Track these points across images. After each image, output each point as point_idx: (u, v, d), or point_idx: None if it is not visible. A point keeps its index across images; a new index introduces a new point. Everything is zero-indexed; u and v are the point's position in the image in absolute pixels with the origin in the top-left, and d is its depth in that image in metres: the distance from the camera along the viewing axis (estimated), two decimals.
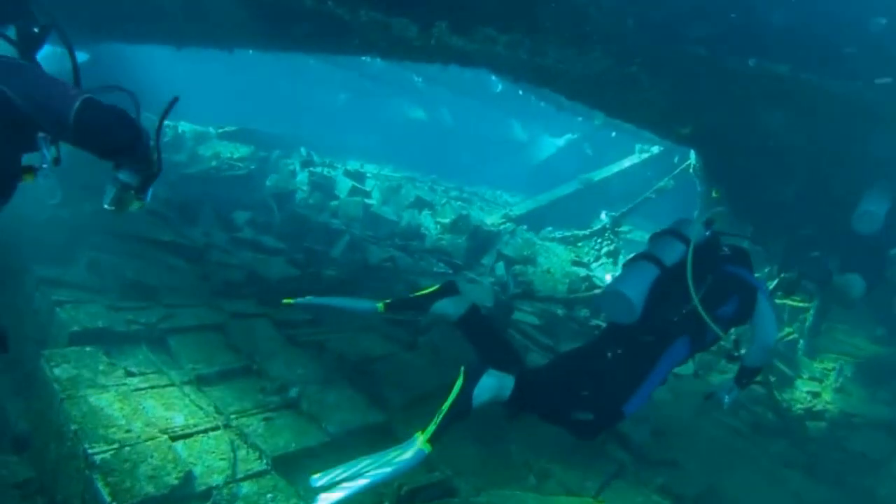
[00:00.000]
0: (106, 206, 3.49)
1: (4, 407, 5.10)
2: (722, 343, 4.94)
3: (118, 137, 3.21)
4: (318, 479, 3.90)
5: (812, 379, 8.88)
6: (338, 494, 3.75)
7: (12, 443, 5.08)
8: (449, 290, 4.70)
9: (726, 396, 5.03)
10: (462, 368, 4.13)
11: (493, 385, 4.14)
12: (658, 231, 4.91)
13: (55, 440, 4.64)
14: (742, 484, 5.51)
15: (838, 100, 6.18)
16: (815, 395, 8.50)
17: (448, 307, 4.67)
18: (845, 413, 8.03)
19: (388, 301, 4.69)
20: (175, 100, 3.55)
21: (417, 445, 3.88)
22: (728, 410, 6.02)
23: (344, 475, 3.89)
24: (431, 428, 3.93)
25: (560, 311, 9.17)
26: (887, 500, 6.07)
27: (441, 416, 3.97)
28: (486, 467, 4.41)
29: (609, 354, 4.57)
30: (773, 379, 8.12)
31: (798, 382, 8.78)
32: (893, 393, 8.23)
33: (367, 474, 3.83)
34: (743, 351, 4.93)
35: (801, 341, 9.43)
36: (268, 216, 10.86)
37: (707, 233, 4.74)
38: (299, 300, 4.74)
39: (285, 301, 4.74)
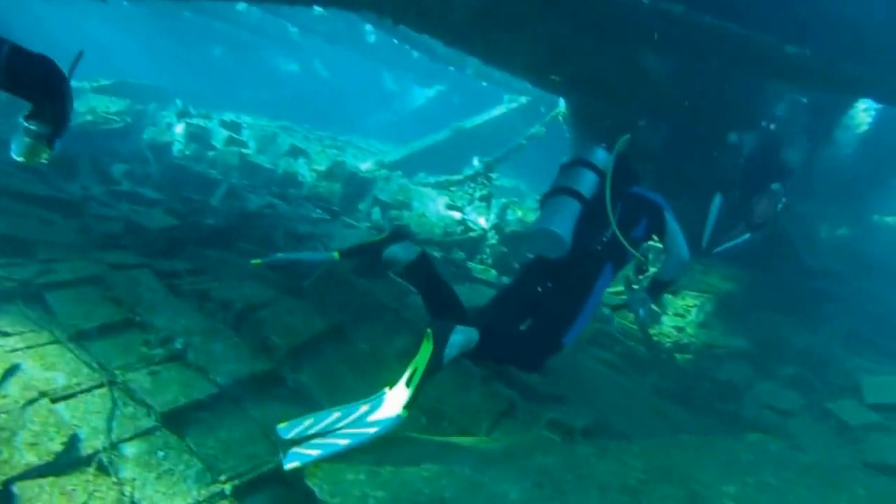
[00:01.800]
0: (14, 156, 3.43)
1: None
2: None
3: (50, 80, 3.31)
4: (287, 431, 3.99)
5: (676, 315, 9.30)
6: (313, 452, 3.84)
7: None
8: (398, 236, 4.80)
9: (641, 309, 5.32)
10: (428, 331, 4.14)
11: (461, 341, 4.23)
12: (566, 163, 5.09)
13: None
14: (625, 415, 5.73)
15: (730, 44, 6.36)
16: (681, 329, 8.91)
17: (398, 252, 4.76)
18: (709, 345, 8.47)
19: (342, 249, 4.80)
20: (80, 54, 3.62)
21: (396, 412, 4.04)
22: (640, 324, 6.37)
23: (315, 428, 3.99)
24: (409, 397, 4.06)
25: (437, 254, 9.27)
26: (752, 422, 6.45)
27: (416, 382, 4.07)
28: None
29: (539, 289, 4.82)
30: (643, 315, 8.45)
31: (664, 318, 9.18)
32: (750, 325, 8.73)
33: (344, 434, 3.96)
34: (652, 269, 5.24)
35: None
36: (145, 168, 10.69)
37: (613, 160, 4.92)
38: (268, 259, 4.80)
39: (255, 261, 4.74)
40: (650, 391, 6.85)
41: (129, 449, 4.05)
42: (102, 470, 3.90)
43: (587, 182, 4.88)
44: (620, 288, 6.86)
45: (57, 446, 3.90)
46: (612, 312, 5.64)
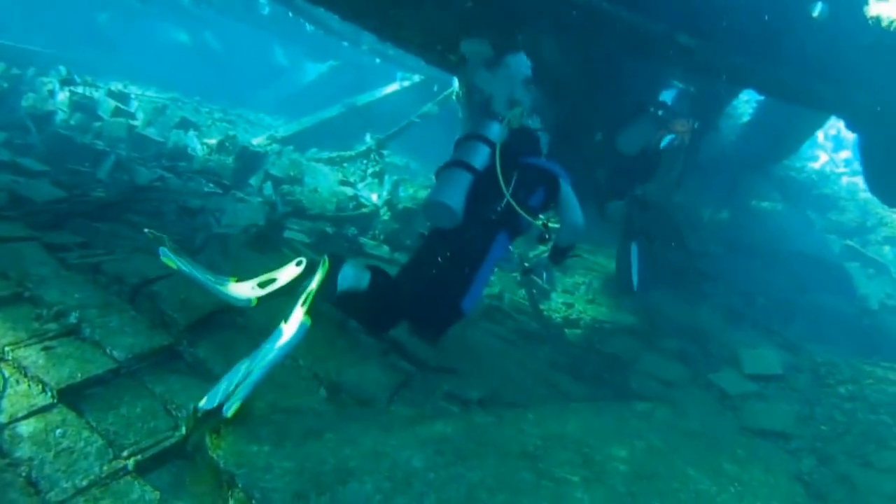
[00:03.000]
0: None
1: None
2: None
3: None
4: (207, 403, 3.98)
5: (565, 291, 9.60)
6: (238, 396, 3.96)
7: None
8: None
9: (544, 273, 5.84)
10: (325, 257, 4.48)
11: (352, 275, 4.55)
12: (461, 137, 5.30)
13: None
14: (519, 386, 5.90)
15: (623, 30, 6.57)
16: (570, 305, 9.19)
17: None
18: (597, 320, 8.76)
19: (260, 296, 4.54)
20: None
21: (297, 325, 4.17)
22: (530, 297, 6.61)
23: (232, 387, 4.01)
24: (307, 305, 4.25)
25: (329, 229, 9.29)
26: (639, 393, 6.73)
27: (312, 296, 4.28)
28: (273, 382, 4.44)
29: (439, 258, 4.94)
30: (535, 291, 8.67)
31: (553, 295, 9.45)
32: (636, 302, 9.07)
33: (258, 367, 4.06)
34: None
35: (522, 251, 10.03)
36: (26, 137, 10.17)
37: (506, 132, 5.15)
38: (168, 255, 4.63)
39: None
40: (542, 364, 7.05)
41: (24, 428, 3.94)
42: None
43: (480, 154, 5.10)
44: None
45: None
46: (547, 276, 5.97)
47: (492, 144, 5.14)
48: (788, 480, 4.93)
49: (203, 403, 4.04)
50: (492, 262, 5.05)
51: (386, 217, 10.63)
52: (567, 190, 5.34)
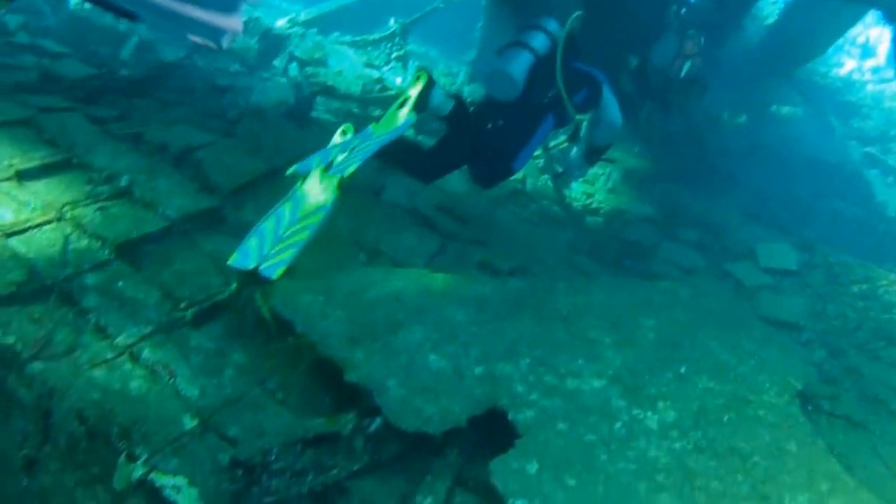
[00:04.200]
0: None
1: None
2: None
3: None
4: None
5: (585, 182, 9.68)
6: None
7: None
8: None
9: (577, 171, 6.25)
10: (423, 72, 5.14)
11: (441, 96, 5.20)
12: (525, 24, 5.50)
13: None
14: (544, 264, 6.09)
15: None
16: (590, 195, 9.29)
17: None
18: (617, 210, 8.89)
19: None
20: None
21: (405, 118, 5.00)
22: (555, 183, 6.91)
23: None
24: (412, 106, 5.02)
25: (356, 110, 9.37)
26: (659, 276, 6.92)
27: (416, 97, 5.00)
28: (316, 245, 4.64)
29: (490, 125, 5.35)
30: (558, 173, 8.77)
31: (573, 184, 9.56)
32: (654, 195, 9.17)
33: (367, 146, 4.69)
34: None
35: (574, 147, 10.15)
36: (42, 20, 10.06)
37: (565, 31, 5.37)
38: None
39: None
40: (563, 247, 7.22)
41: (88, 280, 4.18)
42: (65, 299, 4.04)
43: (540, 41, 5.32)
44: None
45: (17, 277, 4.02)
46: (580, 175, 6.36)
47: (552, 37, 5.34)
48: (803, 363, 5.14)
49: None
50: (540, 137, 5.45)
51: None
52: (608, 93, 5.66)
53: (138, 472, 3.34)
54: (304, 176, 4.77)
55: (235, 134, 6.20)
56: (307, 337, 3.80)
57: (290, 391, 3.93)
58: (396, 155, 5.27)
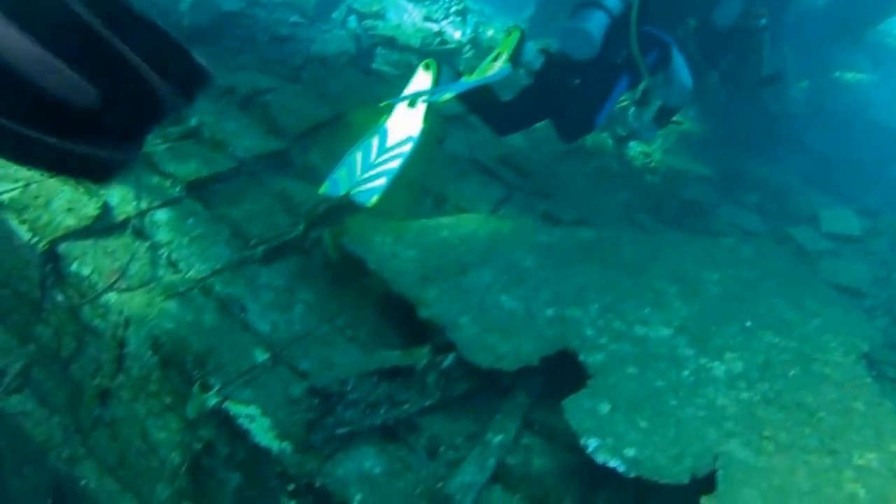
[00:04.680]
0: None
1: None
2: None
3: None
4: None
5: (642, 142, 9.60)
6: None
7: None
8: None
9: (646, 133, 6.20)
10: (515, 28, 5.23)
11: (533, 50, 5.29)
12: None
13: None
14: (605, 218, 6.06)
15: None
16: (647, 155, 9.20)
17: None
18: (675, 170, 8.79)
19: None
20: None
21: (499, 67, 4.96)
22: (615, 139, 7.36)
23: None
24: (507, 56, 5.01)
25: (416, 62, 9.32)
26: (721, 234, 6.84)
27: (511, 51, 5.03)
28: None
29: (568, 84, 5.35)
30: (620, 133, 8.70)
31: (631, 143, 9.46)
32: (713, 157, 9.06)
33: (455, 87, 4.82)
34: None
35: (632, 108, 10.00)
36: None
37: None
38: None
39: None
40: (623, 203, 7.18)
41: (160, 215, 4.24)
42: (138, 234, 4.10)
43: (614, 2, 5.32)
44: None
45: (92, 211, 4.08)
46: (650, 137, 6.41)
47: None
48: (868, 326, 5.06)
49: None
50: (617, 95, 5.47)
51: (469, 54, 10.57)
52: (678, 55, 5.64)
53: (212, 400, 3.39)
54: (388, 112, 4.83)
55: (301, 80, 6.20)
56: (379, 274, 3.82)
57: (359, 329, 3.96)
58: (477, 102, 5.31)
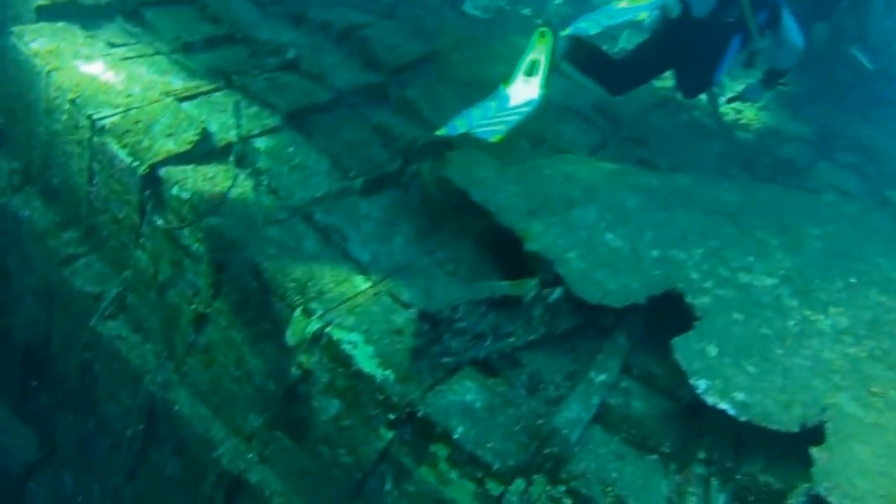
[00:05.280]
0: None
1: None
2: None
3: None
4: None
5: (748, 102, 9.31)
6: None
7: None
8: None
9: (754, 94, 6.41)
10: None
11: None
12: None
13: (44, 119, 4.50)
14: (699, 169, 5.91)
15: None
16: (739, 111, 8.92)
17: None
18: (770, 127, 8.51)
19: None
20: None
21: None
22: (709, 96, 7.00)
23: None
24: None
25: (506, 7, 9.18)
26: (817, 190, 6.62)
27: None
28: None
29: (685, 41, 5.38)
30: (731, 97, 8.48)
31: (722, 99, 9.18)
32: (808, 116, 8.74)
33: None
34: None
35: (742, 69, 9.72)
36: None
37: None
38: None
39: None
40: (716, 157, 6.99)
41: (260, 143, 4.21)
42: (238, 160, 4.07)
43: None
44: None
45: (192, 136, 4.07)
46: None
47: None
48: None
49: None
50: (731, 53, 5.42)
51: (559, 1, 10.37)
52: (788, 15, 5.54)
53: (314, 326, 3.35)
54: (508, 81, 4.83)
55: (396, 16, 6.11)
56: (484, 207, 3.74)
57: (459, 265, 3.91)
58: (589, 62, 5.22)
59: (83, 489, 5.26)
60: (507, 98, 4.70)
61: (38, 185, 4.79)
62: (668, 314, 3.63)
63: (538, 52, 4.84)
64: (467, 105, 4.89)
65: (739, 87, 6.80)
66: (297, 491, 3.91)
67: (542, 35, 4.98)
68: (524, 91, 4.72)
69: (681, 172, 5.21)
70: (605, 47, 5.68)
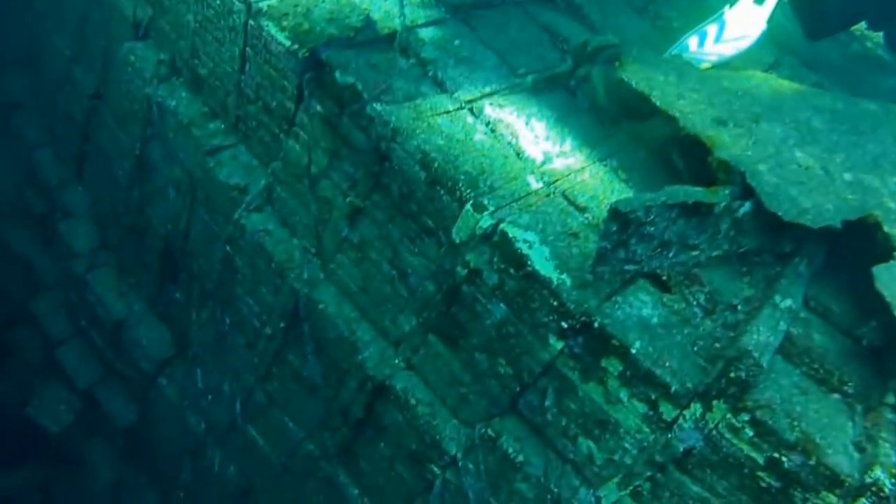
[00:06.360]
0: None
1: None
2: None
3: None
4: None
5: None
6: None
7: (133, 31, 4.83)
8: None
9: None
10: None
11: None
12: None
13: (194, 6, 4.28)
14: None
15: None
16: None
17: None
18: None
19: None
20: None
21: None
22: None
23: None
24: None
25: None
26: None
27: None
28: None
29: None
30: None
31: None
32: None
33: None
34: None
35: None
36: None
37: None
38: None
39: None
40: (890, 92, 6.52)
41: (425, 33, 3.97)
42: (403, 49, 3.84)
43: None
44: None
45: (355, 22, 3.83)
46: None
47: None
48: None
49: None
50: None
51: None
52: None
53: (486, 221, 3.13)
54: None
55: None
56: (666, 112, 3.43)
57: (632, 173, 3.64)
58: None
59: (214, 387, 5.23)
60: (726, 24, 4.38)
61: (185, 76, 4.66)
62: (842, 249, 3.38)
63: None
64: (632, 10, 4.73)
65: None
66: (444, 401, 3.75)
67: None
68: (747, 20, 4.39)
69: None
70: None
